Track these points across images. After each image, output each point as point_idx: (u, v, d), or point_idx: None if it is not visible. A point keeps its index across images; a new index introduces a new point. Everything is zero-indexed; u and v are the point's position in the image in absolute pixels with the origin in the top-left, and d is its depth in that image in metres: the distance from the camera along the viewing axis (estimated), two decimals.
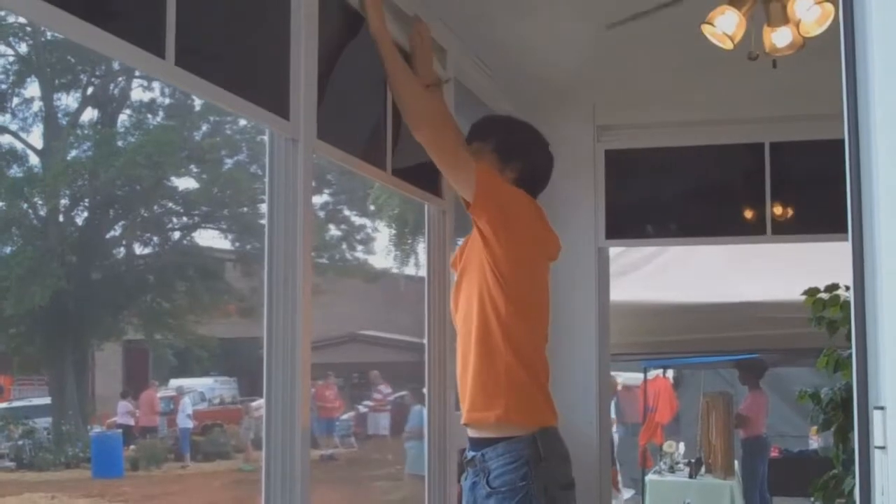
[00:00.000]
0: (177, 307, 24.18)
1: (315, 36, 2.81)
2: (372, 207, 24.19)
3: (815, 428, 9.81)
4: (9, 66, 23.15)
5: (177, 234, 25.51)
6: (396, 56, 3.18)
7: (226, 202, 24.71)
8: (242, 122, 22.67)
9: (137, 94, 24.43)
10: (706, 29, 3.37)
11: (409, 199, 3.86)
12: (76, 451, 19.64)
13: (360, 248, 26.70)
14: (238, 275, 24.20)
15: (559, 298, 4.93)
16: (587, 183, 5.11)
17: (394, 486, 13.51)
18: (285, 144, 2.69)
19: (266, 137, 2.73)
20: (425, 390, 3.82)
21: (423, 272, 4.01)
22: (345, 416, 21.33)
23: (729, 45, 3.36)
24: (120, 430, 19.62)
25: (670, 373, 13.49)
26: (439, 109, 3.27)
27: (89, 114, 24.16)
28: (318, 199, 24.11)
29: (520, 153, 3.31)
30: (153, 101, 24.33)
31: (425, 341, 3.81)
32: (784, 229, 5.03)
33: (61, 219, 23.30)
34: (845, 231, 1.46)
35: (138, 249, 25.06)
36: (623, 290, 6.46)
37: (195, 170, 24.55)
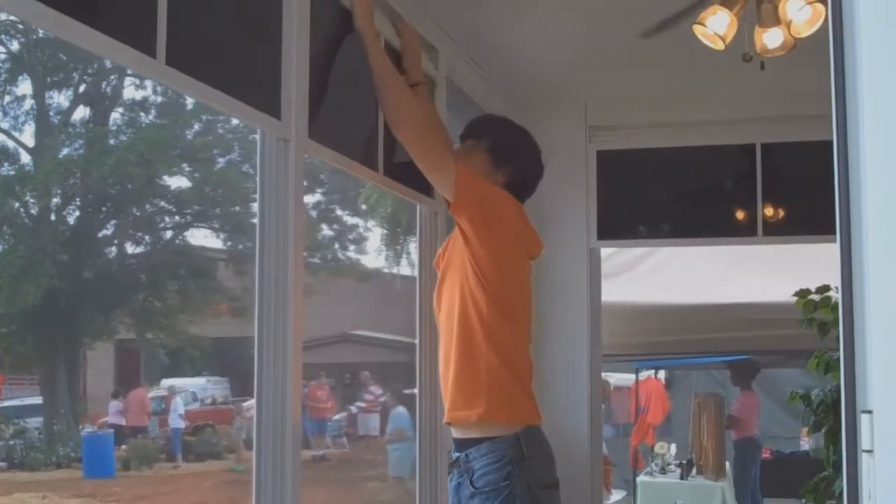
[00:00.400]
0: (169, 306, 24.14)
1: (307, 35, 2.81)
2: (364, 207, 24.15)
3: (806, 429, 9.86)
4: (0, 64, 23.10)
5: (169, 233, 25.47)
6: (381, 53, 3.18)
7: (218, 201, 24.67)
8: (235, 121, 22.65)
9: (129, 92, 24.41)
10: (697, 29, 3.37)
11: (401, 199, 3.84)
12: (67, 451, 19.58)
13: (352, 247, 26.70)
14: (230, 274, 24.17)
15: (551, 299, 4.94)
16: (579, 184, 5.12)
17: (385, 487, 13.51)
18: (276, 144, 2.68)
19: (258, 136, 2.73)
20: (416, 390, 3.83)
21: (415, 272, 4.01)
22: (337, 417, 21.30)
23: (720, 46, 3.37)
24: (111, 430, 19.57)
25: (662, 374, 13.50)
26: (420, 108, 3.26)
27: (81, 112, 24.14)
28: (310, 199, 24.09)
29: (513, 157, 3.31)
30: (145, 99, 24.31)
31: (416, 341, 3.81)
32: (775, 230, 5.03)
33: (53, 217, 23.24)
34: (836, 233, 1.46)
35: (130, 248, 25.02)
36: (615, 291, 6.46)
37: (187, 168, 24.50)
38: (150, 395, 23.02)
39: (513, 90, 4.83)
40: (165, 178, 24.27)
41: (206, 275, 24.60)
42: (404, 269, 23.27)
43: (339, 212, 26.43)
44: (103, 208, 23.96)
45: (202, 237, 26.22)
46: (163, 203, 24.84)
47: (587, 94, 5.08)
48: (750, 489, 9.95)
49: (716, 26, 3.34)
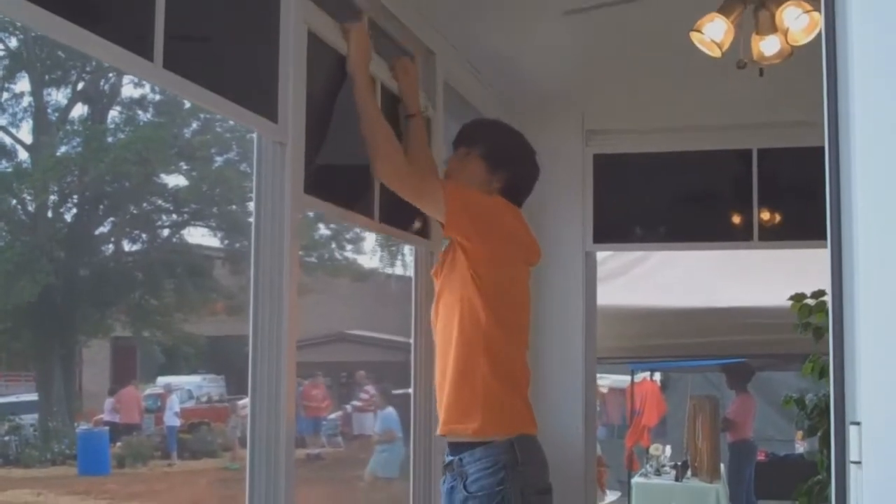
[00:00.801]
0: (165, 304, 24.14)
1: (304, 38, 2.82)
2: None
3: (800, 432, 9.87)
4: None
5: (166, 232, 25.47)
6: (368, 91, 3.13)
7: (215, 200, 24.67)
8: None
9: (128, 90, 24.40)
10: (694, 36, 3.38)
11: (398, 239, 3.85)
12: (62, 448, 19.57)
13: (349, 247, 26.70)
14: (226, 273, 24.18)
15: (546, 302, 4.95)
16: (575, 187, 5.12)
17: (373, 488, 13.49)
18: (273, 147, 2.69)
19: (254, 139, 2.73)
20: (410, 390, 3.83)
21: (410, 272, 4.03)
22: (332, 416, 21.30)
23: (717, 53, 3.38)
24: (107, 428, 19.56)
25: (658, 376, 13.52)
26: (397, 145, 3.18)
27: (79, 109, 24.13)
28: None
29: (508, 162, 3.30)
30: (143, 97, 24.30)
31: (412, 341, 3.82)
32: (771, 235, 5.04)
33: (50, 214, 23.24)
34: None
35: (127, 246, 25.02)
36: (611, 294, 6.47)
37: (185, 167, 24.50)
38: (146, 392, 23.02)
39: (510, 94, 4.83)
40: (163, 176, 24.29)
41: (203, 273, 24.61)
42: (400, 270, 23.29)
43: None
44: (100, 206, 23.96)
45: (199, 236, 26.18)
46: (160, 201, 24.84)
47: (584, 98, 5.09)
48: (744, 491, 9.97)
49: (713, 33, 3.35)
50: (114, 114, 24.26)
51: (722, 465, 10.06)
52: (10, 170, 22.80)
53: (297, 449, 2.86)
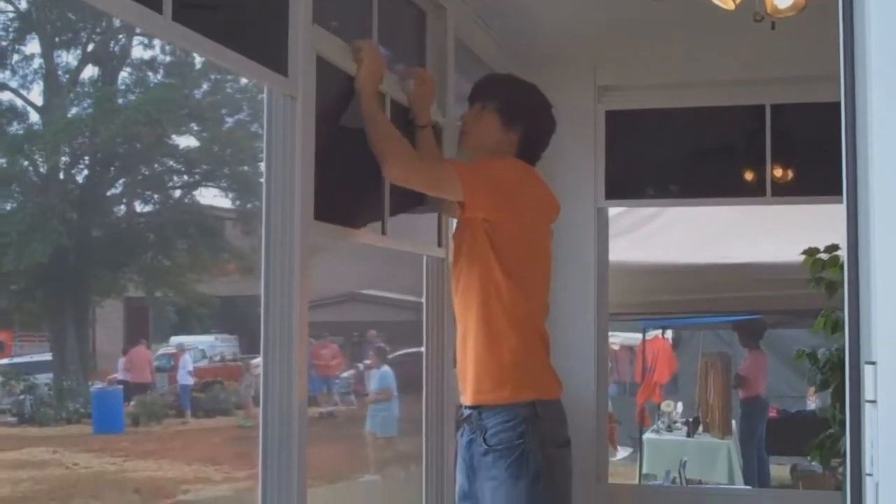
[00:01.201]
0: (177, 265, 24.26)
1: None
2: None
3: (812, 388, 9.88)
4: (9, 23, 23.08)
5: (177, 193, 25.53)
6: (374, 100, 3.08)
7: (226, 160, 24.71)
8: (243, 80, 22.60)
9: (138, 51, 24.43)
10: None
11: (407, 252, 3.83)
12: (77, 407, 19.74)
13: None
14: (238, 233, 24.24)
15: (558, 259, 4.90)
16: (587, 144, 5.09)
17: (386, 444, 13.56)
18: (283, 101, 2.67)
19: (264, 95, 2.71)
20: (423, 348, 3.84)
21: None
22: (345, 374, 21.40)
23: (730, 6, 3.35)
24: (120, 387, 19.70)
25: (669, 333, 13.54)
26: (403, 144, 3.13)
27: (90, 71, 24.16)
28: None
29: (524, 116, 3.28)
30: (154, 58, 24.31)
31: (423, 300, 3.82)
32: (784, 191, 5.01)
33: (62, 176, 23.32)
34: None
35: (139, 207, 25.12)
36: (623, 251, 6.47)
37: (196, 128, 24.52)
38: (160, 352, 23.15)
39: (521, 51, 4.80)
40: (174, 137, 24.34)
41: (215, 234, 24.69)
42: None
43: None
44: (112, 167, 24.02)
45: (211, 196, 26.27)
46: (171, 162, 24.89)
47: (596, 54, 5.05)
48: (756, 447, 10.00)
49: None
50: (124, 75, 24.29)
51: (733, 422, 10.09)
52: (21, 132, 22.85)
53: (310, 407, 2.87)
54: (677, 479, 8.49)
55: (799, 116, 4.96)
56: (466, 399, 3.18)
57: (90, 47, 23.87)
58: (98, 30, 23.65)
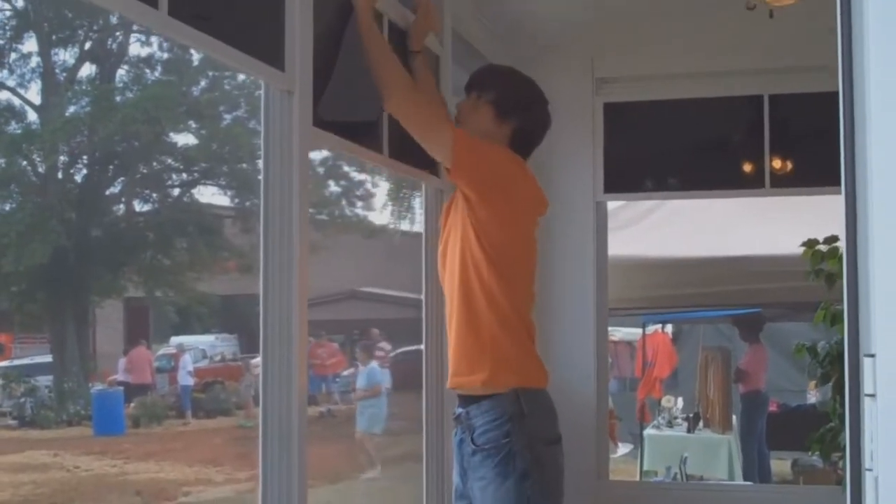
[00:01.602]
0: (177, 264, 24.21)
1: None
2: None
3: (813, 382, 9.87)
4: (6, 21, 23.03)
5: (176, 191, 25.49)
6: (371, 24, 3.09)
7: (225, 158, 24.66)
8: (241, 77, 22.58)
9: (135, 49, 24.37)
10: None
11: (406, 177, 3.80)
12: (78, 409, 19.72)
13: (359, 204, 26.70)
14: (237, 231, 24.20)
15: (557, 253, 4.93)
16: (585, 136, 5.08)
17: (392, 442, 13.55)
18: (280, 97, 2.66)
19: (262, 90, 2.70)
20: (423, 346, 3.83)
21: (420, 227, 4.00)
22: (345, 373, 21.39)
23: None
24: (121, 388, 19.68)
25: (669, 327, 13.53)
26: (409, 78, 3.18)
27: (87, 69, 24.10)
28: (317, 155, 24.03)
29: (518, 109, 3.26)
30: (151, 56, 24.26)
31: (423, 296, 3.81)
32: (783, 182, 5.00)
33: (60, 175, 23.27)
34: None
35: (138, 206, 25.07)
36: (622, 245, 6.45)
37: (194, 125, 24.47)
38: (160, 352, 23.13)
39: (518, 41, 4.79)
40: (172, 135, 24.29)
41: (214, 232, 24.64)
42: (410, 227, 23.29)
43: (346, 168, 26.40)
44: (110, 166, 23.98)
45: (210, 194, 26.22)
46: (170, 160, 24.84)
47: (594, 45, 5.04)
48: (756, 442, 9.99)
49: None
50: (122, 73, 24.23)
51: (734, 417, 10.08)
52: (19, 131, 22.79)
53: (309, 406, 2.85)
54: (678, 476, 8.47)
55: (797, 106, 4.95)
56: (448, 382, 3.18)
57: (87, 45, 23.81)
58: (95, 27, 23.60)
